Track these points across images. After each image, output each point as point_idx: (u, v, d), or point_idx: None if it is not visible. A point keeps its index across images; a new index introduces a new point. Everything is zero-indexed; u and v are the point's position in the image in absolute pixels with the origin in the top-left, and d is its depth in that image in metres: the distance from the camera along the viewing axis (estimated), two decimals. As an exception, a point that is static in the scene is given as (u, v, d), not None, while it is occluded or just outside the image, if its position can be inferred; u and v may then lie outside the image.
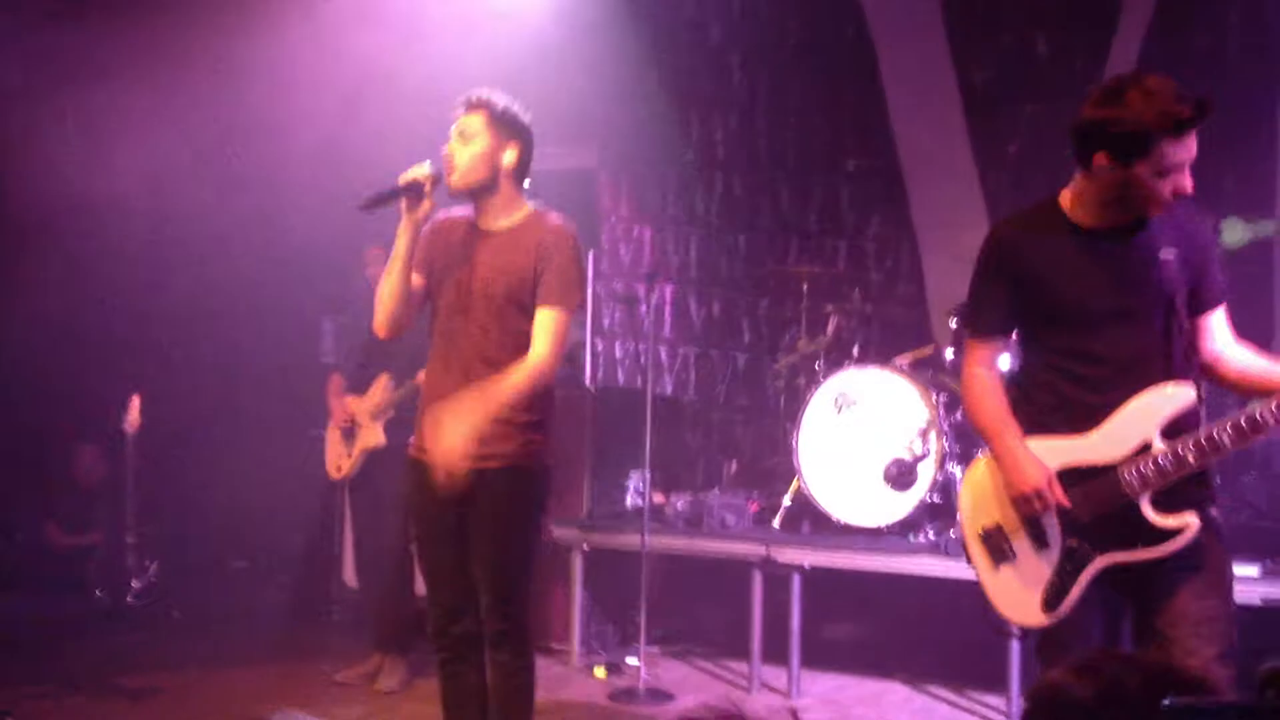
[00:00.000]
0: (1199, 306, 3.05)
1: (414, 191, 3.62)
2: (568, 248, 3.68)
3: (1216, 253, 3.14)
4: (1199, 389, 3.03)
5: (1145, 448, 2.92)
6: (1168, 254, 2.98)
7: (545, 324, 3.63)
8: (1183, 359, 3.02)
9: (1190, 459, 2.88)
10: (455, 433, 3.46)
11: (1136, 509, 2.93)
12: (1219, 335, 3.09)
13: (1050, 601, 3.01)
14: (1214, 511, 3.02)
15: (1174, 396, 2.93)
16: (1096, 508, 2.96)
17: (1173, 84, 2.87)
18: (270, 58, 6.54)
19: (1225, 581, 3.00)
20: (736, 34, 7.74)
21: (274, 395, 7.17)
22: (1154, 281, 2.98)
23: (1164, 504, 2.92)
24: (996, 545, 3.12)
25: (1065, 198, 3.08)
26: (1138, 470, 2.92)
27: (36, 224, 6.92)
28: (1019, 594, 3.07)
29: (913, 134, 7.24)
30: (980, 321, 3.22)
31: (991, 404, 3.13)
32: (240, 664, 5.88)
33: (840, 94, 7.48)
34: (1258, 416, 2.83)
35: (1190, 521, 2.90)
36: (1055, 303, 3.03)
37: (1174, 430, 2.93)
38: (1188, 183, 2.90)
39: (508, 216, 3.72)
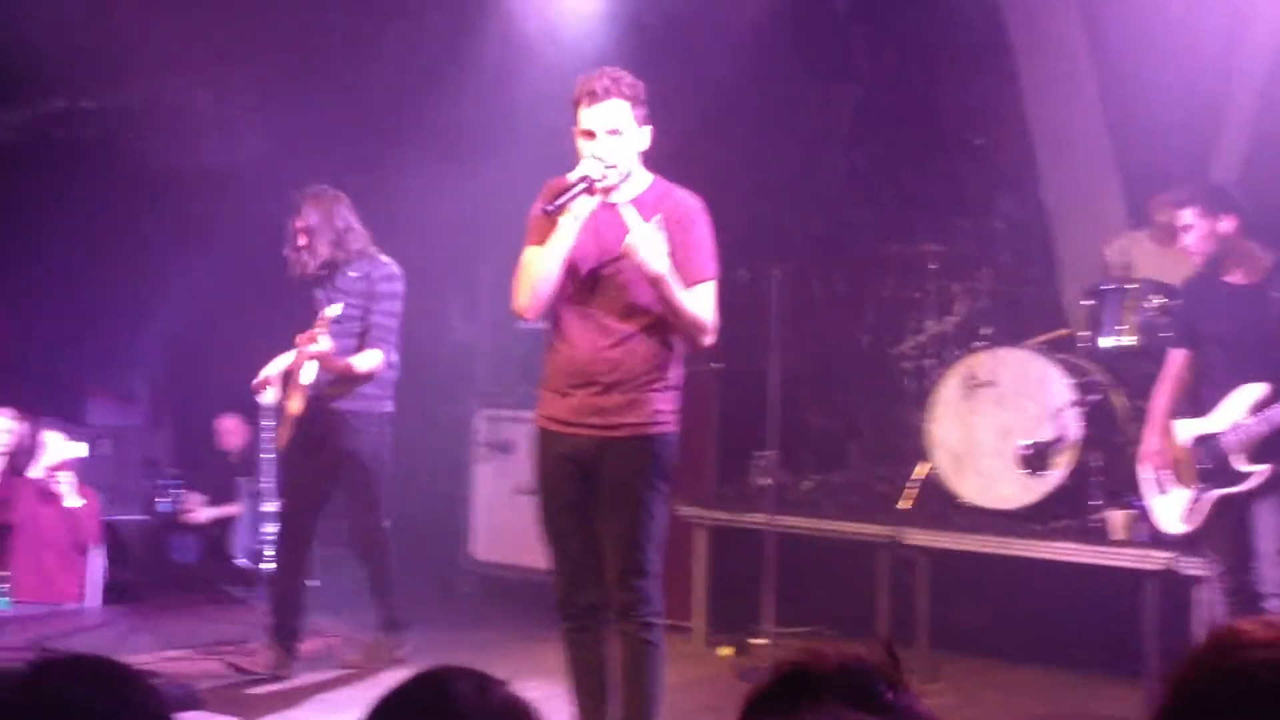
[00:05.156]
0: None
1: (588, 186, 3.63)
2: (699, 222, 3.71)
3: None
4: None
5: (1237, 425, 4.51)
6: None
7: (701, 296, 3.68)
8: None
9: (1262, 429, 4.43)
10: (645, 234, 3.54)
11: (1230, 460, 4.51)
12: None
13: (1187, 518, 4.67)
14: None
15: (1254, 390, 4.48)
16: (1210, 460, 4.56)
17: None
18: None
19: None
20: (863, 6, 7.65)
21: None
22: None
23: (1253, 457, 4.47)
24: (1159, 483, 4.79)
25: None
26: (1233, 436, 4.51)
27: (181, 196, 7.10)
28: (1169, 512, 4.75)
29: (1046, 113, 7.10)
30: (1171, 341, 4.93)
31: (1154, 402, 4.85)
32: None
33: (971, 70, 7.36)
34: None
35: (1259, 468, 4.45)
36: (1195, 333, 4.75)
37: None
38: None
39: (633, 188, 3.72)
